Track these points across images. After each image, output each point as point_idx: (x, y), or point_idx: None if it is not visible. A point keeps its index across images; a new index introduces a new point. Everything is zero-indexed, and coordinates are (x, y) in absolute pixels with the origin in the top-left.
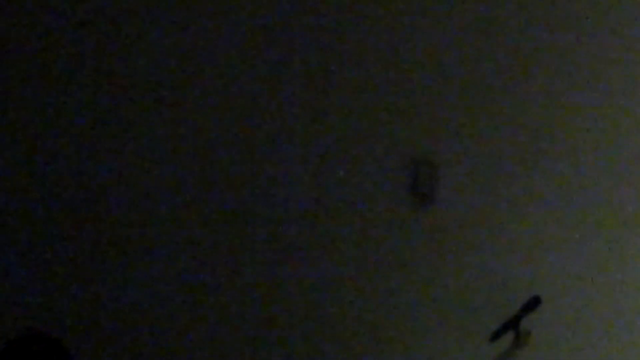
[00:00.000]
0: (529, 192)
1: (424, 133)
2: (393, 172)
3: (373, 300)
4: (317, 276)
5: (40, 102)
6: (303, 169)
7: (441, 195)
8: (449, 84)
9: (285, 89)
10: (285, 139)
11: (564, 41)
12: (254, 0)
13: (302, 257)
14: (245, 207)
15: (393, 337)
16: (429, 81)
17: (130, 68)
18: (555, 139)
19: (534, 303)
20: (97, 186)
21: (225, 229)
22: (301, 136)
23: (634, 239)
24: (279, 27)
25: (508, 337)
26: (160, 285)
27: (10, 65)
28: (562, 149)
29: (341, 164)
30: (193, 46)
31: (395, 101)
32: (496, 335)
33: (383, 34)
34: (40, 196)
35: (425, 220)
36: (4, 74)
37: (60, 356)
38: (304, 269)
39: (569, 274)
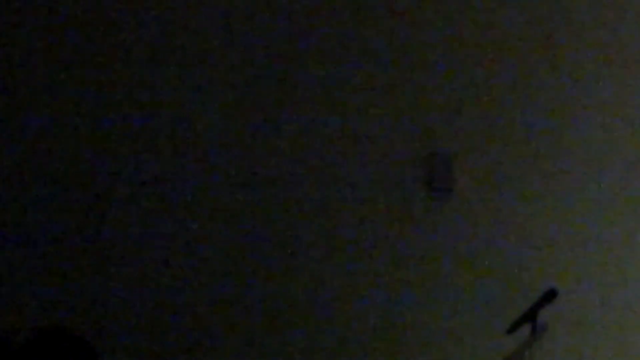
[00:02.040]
0: (545, 185)
1: (441, 126)
2: (409, 165)
3: (390, 292)
4: (333, 270)
5: (41, 101)
6: (320, 164)
7: (458, 188)
8: (466, 78)
9: (300, 84)
10: (302, 134)
11: (579, 35)
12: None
13: (319, 251)
14: (253, 204)
15: (411, 328)
16: (445, 75)
17: (131, 68)
18: (574, 132)
19: (550, 295)
20: (97, 186)
21: (225, 228)
22: (317, 131)
23: None
24: (287, 20)
25: (525, 329)
26: (160, 285)
27: (10, 65)
28: (581, 143)
29: (358, 158)
30: (193, 46)
31: (411, 95)
32: (514, 327)
33: (400, 29)
34: (41, 196)
35: (442, 213)
36: (4, 74)
37: (87, 353)
38: (320, 264)
39: (585, 266)
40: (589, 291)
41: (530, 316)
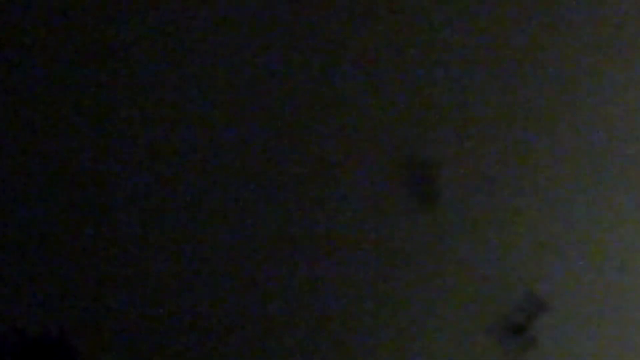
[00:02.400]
0: (532, 193)
1: (427, 134)
2: (395, 172)
3: (375, 299)
4: (320, 277)
5: (41, 102)
6: (304, 170)
7: (444, 195)
8: (451, 85)
9: (286, 90)
10: (286, 139)
11: (569, 40)
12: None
13: (304, 258)
14: (246, 206)
15: (395, 335)
16: (431, 82)
17: (130, 68)
18: (559, 139)
19: (540, 308)
20: (97, 186)
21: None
22: (302, 137)
23: None
24: (280, 27)
25: (517, 342)
26: (160, 285)
27: (10, 65)
28: (567, 150)
29: (344, 165)
30: (194, 45)
31: (397, 102)
32: (505, 339)
33: (385, 34)
34: (40, 196)
35: (428, 220)
36: (4, 74)
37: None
38: (306, 270)
39: (572, 273)
40: (576, 298)
41: (521, 328)
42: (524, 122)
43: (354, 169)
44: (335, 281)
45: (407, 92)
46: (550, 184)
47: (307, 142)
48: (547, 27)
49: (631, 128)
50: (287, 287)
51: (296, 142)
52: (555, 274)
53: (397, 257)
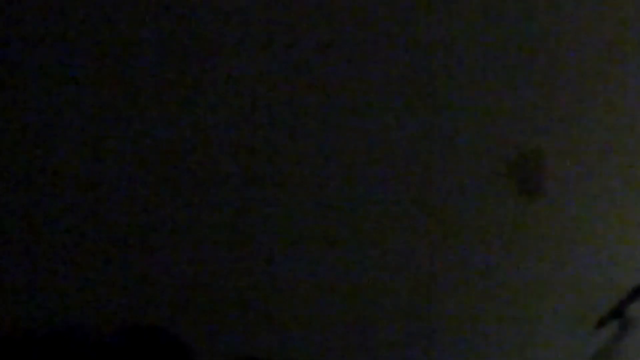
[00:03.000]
0: (633, 185)
1: (532, 126)
2: (499, 166)
3: (477, 292)
4: (421, 269)
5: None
6: (409, 165)
7: (548, 189)
8: (555, 75)
9: (381, 87)
10: (386, 134)
11: None
12: None
13: (404, 252)
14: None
15: (498, 327)
16: (535, 72)
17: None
18: None
19: (639, 292)
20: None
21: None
22: (407, 132)
23: None
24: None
25: (613, 326)
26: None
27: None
28: None
29: (447, 158)
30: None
31: (501, 93)
32: (601, 324)
33: (485, 24)
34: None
35: (533, 214)
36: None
37: (183, 354)
38: (411, 261)
39: None
40: None
41: (618, 312)
42: (632, 116)
43: (458, 161)
44: (437, 274)
45: (510, 85)
46: None
47: (411, 139)
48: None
49: None
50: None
51: (398, 138)
52: None
53: (499, 247)
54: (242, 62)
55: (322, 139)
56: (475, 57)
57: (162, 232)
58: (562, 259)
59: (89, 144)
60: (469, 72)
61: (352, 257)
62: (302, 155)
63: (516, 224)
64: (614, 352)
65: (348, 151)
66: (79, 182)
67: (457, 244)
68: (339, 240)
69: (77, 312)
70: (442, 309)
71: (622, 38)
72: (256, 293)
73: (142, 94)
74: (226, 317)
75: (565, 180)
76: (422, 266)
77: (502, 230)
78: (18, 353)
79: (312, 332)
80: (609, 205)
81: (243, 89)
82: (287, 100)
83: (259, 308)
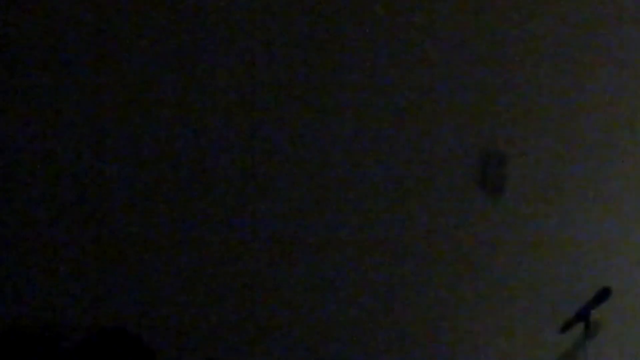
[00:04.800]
0: (598, 185)
1: (494, 126)
2: (462, 164)
3: (441, 291)
4: (385, 267)
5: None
6: (372, 162)
7: (510, 187)
8: (518, 77)
9: (346, 83)
10: (353, 134)
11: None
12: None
13: (378, 250)
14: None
15: (463, 329)
16: (497, 74)
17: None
18: (625, 131)
19: (604, 294)
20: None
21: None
22: (372, 130)
23: None
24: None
25: (578, 328)
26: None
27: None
28: (631, 143)
29: (411, 157)
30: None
31: (464, 95)
32: (567, 326)
33: (453, 28)
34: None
35: (495, 213)
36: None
37: (143, 354)
38: (369, 263)
39: (638, 266)
40: None
41: (583, 316)
42: (596, 117)
43: (425, 162)
44: (401, 274)
45: (478, 89)
46: (619, 175)
47: (375, 136)
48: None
49: None
50: (364, 284)
51: (368, 136)
52: (621, 264)
53: (465, 247)
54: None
55: (316, 140)
56: (441, 63)
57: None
58: (526, 260)
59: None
60: (437, 73)
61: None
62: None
63: (480, 224)
64: (578, 355)
65: (334, 151)
66: (70, 181)
67: (421, 242)
68: (324, 242)
69: (47, 312)
70: (400, 308)
71: (587, 41)
72: (253, 294)
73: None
74: (222, 319)
75: (527, 181)
76: (393, 264)
77: (465, 231)
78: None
79: (309, 333)
80: (573, 207)
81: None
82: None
83: (255, 311)
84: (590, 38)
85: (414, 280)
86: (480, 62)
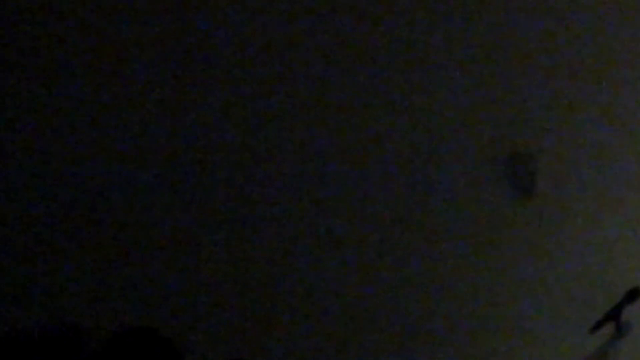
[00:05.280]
0: (628, 185)
1: (524, 127)
2: (493, 165)
3: (472, 292)
4: (416, 269)
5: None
6: (404, 165)
7: (540, 188)
8: (550, 78)
9: (375, 84)
10: (384, 134)
11: None
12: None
13: (405, 251)
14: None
15: (493, 329)
16: (529, 75)
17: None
18: None
19: (634, 295)
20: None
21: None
22: (404, 132)
23: None
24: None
25: (608, 329)
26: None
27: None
28: None
29: (442, 159)
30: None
31: (495, 95)
32: (597, 327)
33: (483, 26)
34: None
35: (525, 213)
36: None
37: (172, 356)
38: (405, 262)
39: None
40: None
41: (613, 316)
42: (628, 116)
43: (454, 161)
44: (432, 275)
45: (505, 88)
46: None
47: (408, 138)
48: None
49: None
50: (387, 281)
51: (396, 137)
52: None
53: (492, 248)
54: (242, 62)
55: (320, 139)
56: (471, 61)
57: (160, 233)
58: (556, 261)
59: (89, 144)
60: (465, 75)
61: (350, 257)
62: (299, 155)
63: (509, 225)
64: (609, 356)
65: (344, 151)
66: (78, 182)
67: (450, 243)
68: (333, 241)
69: (73, 313)
70: (434, 308)
71: (617, 42)
72: (255, 294)
73: (142, 94)
74: (223, 319)
75: (559, 181)
76: (418, 265)
77: (495, 231)
78: (14, 354)
79: (310, 333)
80: (604, 207)
81: (243, 89)
82: (287, 101)
83: (259, 310)
84: (622, 36)
85: (443, 282)
86: (511, 61)
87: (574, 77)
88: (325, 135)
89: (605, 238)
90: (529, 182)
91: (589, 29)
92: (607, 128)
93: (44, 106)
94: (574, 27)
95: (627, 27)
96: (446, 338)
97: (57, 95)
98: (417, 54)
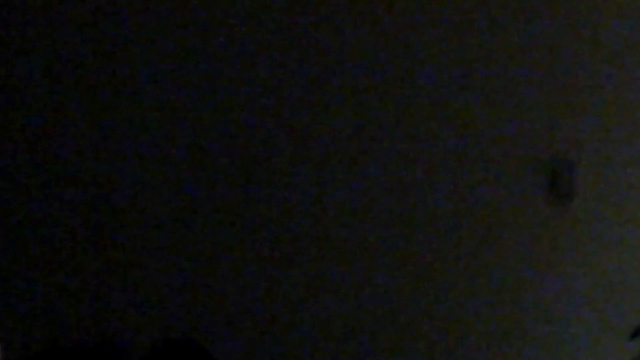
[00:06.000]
0: None
1: (563, 131)
2: (531, 170)
3: (512, 299)
4: (452, 278)
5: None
6: (443, 171)
7: (580, 194)
8: (588, 81)
9: (417, 85)
10: (419, 139)
11: None
12: None
13: (439, 257)
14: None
15: (533, 334)
16: (567, 78)
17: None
18: None
19: None
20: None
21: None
22: (443, 138)
23: None
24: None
25: None
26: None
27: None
28: None
29: (479, 163)
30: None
31: (532, 99)
32: (636, 333)
33: (525, 29)
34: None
35: (564, 219)
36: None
37: None
38: (441, 272)
39: None
40: None
41: None
42: None
43: (492, 167)
44: (469, 281)
45: (546, 93)
46: None
47: (445, 142)
48: None
49: None
50: (410, 286)
51: (432, 141)
52: None
53: (533, 255)
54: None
55: (329, 141)
56: (511, 68)
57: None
58: (596, 267)
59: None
60: (506, 82)
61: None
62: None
63: (549, 231)
64: None
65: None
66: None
67: (491, 250)
68: (341, 243)
69: (110, 327)
70: (472, 314)
71: None
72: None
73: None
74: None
75: (598, 187)
76: (450, 271)
77: (535, 238)
78: None
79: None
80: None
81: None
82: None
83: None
84: None
85: (481, 288)
86: (554, 68)
87: (616, 83)
88: (343, 136)
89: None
90: (568, 188)
91: (630, 37)
92: None
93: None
94: (614, 36)
95: None
96: (481, 345)
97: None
98: (453, 61)
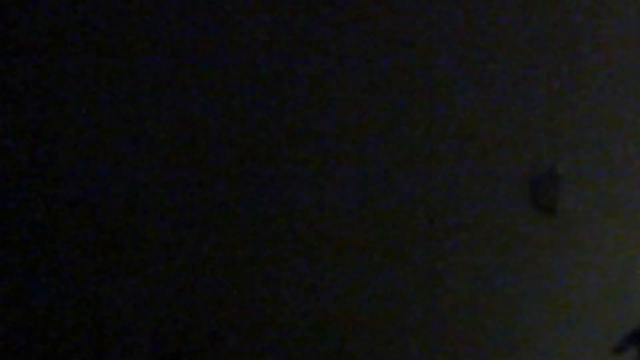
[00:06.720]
0: None
1: (545, 145)
2: (514, 184)
3: (492, 311)
4: (435, 287)
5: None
6: (421, 182)
7: (562, 207)
8: (570, 97)
9: (395, 100)
10: (406, 150)
11: None
12: None
13: (424, 270)
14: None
15: (514, 347)
16: (550, 94)
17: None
18: None
19: None
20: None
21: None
22: (420, 148)
23: None
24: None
25: (631, 351)
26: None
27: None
28: None
29: (463, 177)
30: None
31: (516, 113)
32: (620, 348)
33: (507, 43)
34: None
35: (547, 233)
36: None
37: None
38: (424, 281)
39: None
40: None
41: (636, 337)
42: None
43: (476, 180)
44: (451, 292)
45: (531, 108)
46: None
47: (423, 155)
48: None
49: None
50: (404, 297)
51: (410, 156)
52: None
53: (515, 266)
54: (242, 62)
55: (329, 141)
56: (496, 83)
57: (157, 233)
58: (578, 280)
59: (90, 144)
60: (491, 94)
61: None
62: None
63: (531, 244)
64: None
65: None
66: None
67: (472, 262)
68: (343, 245)
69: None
70: (454, 325)
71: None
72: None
73: (142, 93)
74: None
75: (581, 200)
76: (439, 282)
77: (517, 250)
78: None
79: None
80: (627, 227)
81: (243, 89)
82: (287, 101)
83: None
84: None
85: (464, 299)
86: (538, 81)
87: (601, 97)
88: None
89: (628, 258)
90: (551, 201)
91: (615, 47)
92: (634, 148)
93: (43, 106)
94: (602, 49)
95: None
96: (468, 355)
97: (56, 95)
98: (440, 72)
